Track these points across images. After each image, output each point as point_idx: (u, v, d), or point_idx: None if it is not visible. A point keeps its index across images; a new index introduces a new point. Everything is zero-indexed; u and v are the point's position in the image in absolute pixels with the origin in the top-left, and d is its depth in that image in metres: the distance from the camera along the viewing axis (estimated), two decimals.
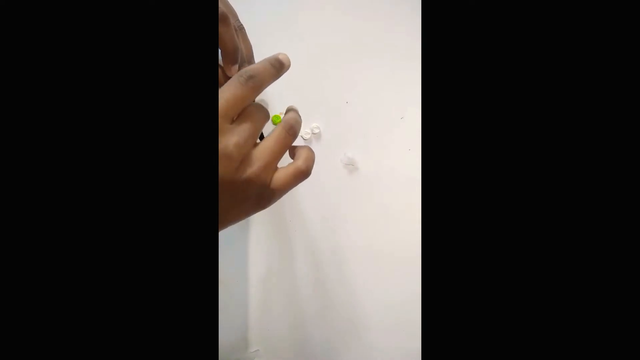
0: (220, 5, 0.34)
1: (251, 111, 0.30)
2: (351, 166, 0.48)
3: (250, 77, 0.29)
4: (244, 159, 0.28)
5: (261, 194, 0.30)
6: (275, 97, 0.46)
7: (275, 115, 0.46)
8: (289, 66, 0.32)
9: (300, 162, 0.32)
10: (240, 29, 0.39)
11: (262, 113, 0.31)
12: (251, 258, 0.47)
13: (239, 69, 0.38)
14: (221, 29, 0.34)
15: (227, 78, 0.40)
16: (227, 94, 0.28)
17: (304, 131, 0.47)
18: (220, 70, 0.40)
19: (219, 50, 0.35)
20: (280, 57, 0.32)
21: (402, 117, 0.48)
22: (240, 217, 0.31)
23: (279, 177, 0.31)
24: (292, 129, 0.31)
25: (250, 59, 0.41)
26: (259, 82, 0.30)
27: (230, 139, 0.27)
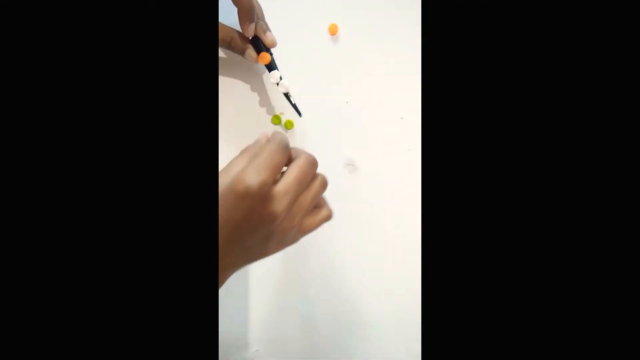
0: None
1: (297, 176, 0.31)
2: (351, 166, 0.48)
3: (287, 145, 0.32)
4: (287, 214, 0.31)
5: (294, 237, 0.34)
6: (276, 98, 0.46)
7: (275, 116, 0.46)
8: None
9: (326, 209, 0.36)
10: None
11: (312, 169, 0.33)
12: None
13: (256, 27, 0.38)
14: None
15: (245, 39, 0.40)
16: (267, 159, 0.30)
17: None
18: (236, 33, 0.40)
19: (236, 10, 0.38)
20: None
21: (402, 117, 0.48)
22: (272, 253, 0.34)
23: (310, 222, 0.34)
24: (326, 185, 0.34)
25: (263, 18, 0.41)
26: (290, 151, 0.32)
27: (278, 205, 0.30)
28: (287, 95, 0.43)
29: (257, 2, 0.41)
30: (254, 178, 0.28)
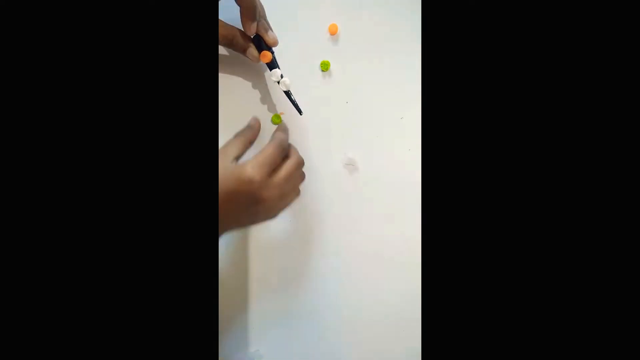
0: None
1: (289, 168, 0.39)
2: (351, 166, 0.48)
3: (286, 147, 0.40)
4: (275, 199, 0.38)
5: (275, 213, 0.40)
6: (277, 98, 0.46)
7: (275, 115, 0.46)
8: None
9: (297, 191, 0.42)
10: None
11: (299, 170, 0.41)
12: (251, 258, 0.47)
13: (258, 25, 0.39)
14: None
15: (247, 37, 0.40)
16: (268, 158, 0.37)
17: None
18: (238, 32, 0.40)
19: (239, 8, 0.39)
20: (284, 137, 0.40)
21: (402, 117, 0.48)
22: (259, 223, 0.41)
23: (286, 204, 0.41)
24: (304, 177, 0.43)
25: (264, 17, 0.41)
26: (287, 149, 0.40)
27: (270, 193, 0.37)
28: (287, 93, 0.43)
29: (259, 1, 0.41)
30: (257, 171, 0.36)
